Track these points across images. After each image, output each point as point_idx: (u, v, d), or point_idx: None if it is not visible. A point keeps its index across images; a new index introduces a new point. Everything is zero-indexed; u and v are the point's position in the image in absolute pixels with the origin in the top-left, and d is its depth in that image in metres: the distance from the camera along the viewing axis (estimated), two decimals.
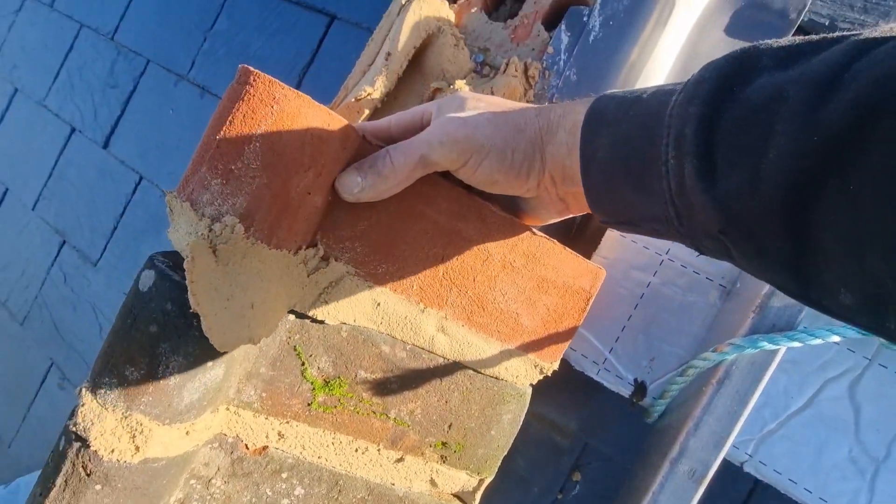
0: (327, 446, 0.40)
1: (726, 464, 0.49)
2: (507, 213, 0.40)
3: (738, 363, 0.42)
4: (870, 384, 0.48)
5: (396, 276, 0.38)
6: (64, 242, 1.39)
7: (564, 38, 0.55)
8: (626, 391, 0.52)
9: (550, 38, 0.57)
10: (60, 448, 0.32)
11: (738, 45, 0.61)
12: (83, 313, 1.33)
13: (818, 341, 0.40)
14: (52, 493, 0.31)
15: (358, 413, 0.40)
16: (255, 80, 0.30)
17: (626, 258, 0.54)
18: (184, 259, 0.31)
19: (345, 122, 0.33)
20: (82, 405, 0.31)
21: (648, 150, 0.28)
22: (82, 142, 1.36)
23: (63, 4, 1.39)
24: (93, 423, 0.31)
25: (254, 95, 0.30)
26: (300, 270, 0.36)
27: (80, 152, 1.38)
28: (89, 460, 0.31)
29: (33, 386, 1.29)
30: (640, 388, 0.51)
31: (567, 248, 0.41)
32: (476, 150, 0.34)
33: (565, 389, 0.65)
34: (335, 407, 0.40)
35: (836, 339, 0.40)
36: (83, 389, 0.32)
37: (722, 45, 0.60)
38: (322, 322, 0.38)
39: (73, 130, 1.36)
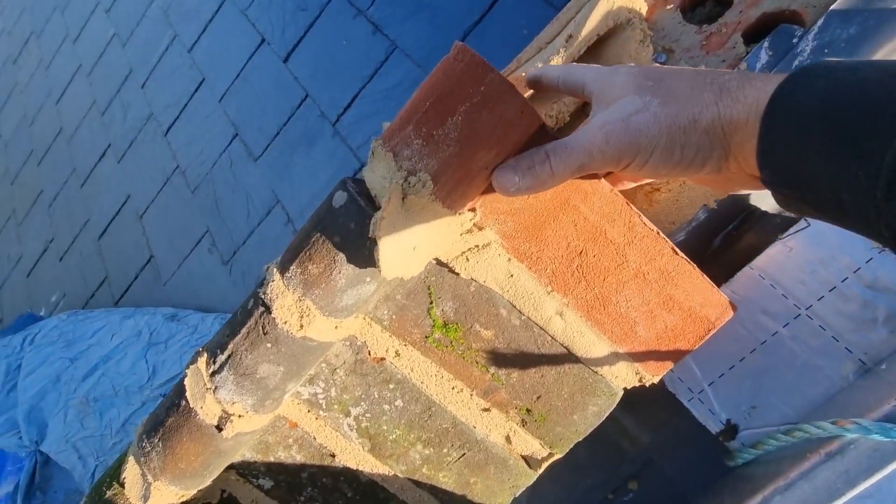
0: (431, 376, 0.47)
1: None
2: (656, 227, 0.41)
3: (857, 445, 0.41)
4: None
5: (535, 256, 0.42)
6: (236, 135, 1.61)
7: (764, 57, 0.52)
8: (714, 427, 0.52)
9: (747, 53, 0.54)
10: (249, 307, 0.42)
11: None
12: (238, 197, 1.56)
13: None
14: (237, 338, 0.41)
15: (464, 358, 0.46)
16: (470, 61, 0.34)
17: (758, 300, 0.53)
18: (370, 192, 0.38)
19: (534, 111, 0.36)
20: (272, 281, 0.40)
21: (884, 103, 0.25)
22: (268, 53, 1.53)
23: None
24: (276, 297, 0.40)
25: (466, 74, 0.34)
26: (456, 229, 0.41)
27: (264, 61, 1.56)
28: (268, 323, 0.40)
29: (191, 244, 1.56)
30: (730, 430, 0.51)
31: (705, 276, 0.42)
32: (639, 152, 0.33)
33: (648, 403, 0.66)
34: (446, 347, 0.46)
35: None
36: (274, 268, 0.41)
37: None
38: (457, 274, 0.44)
39: (262, 41, 1.54)
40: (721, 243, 0.64)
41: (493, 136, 0.36)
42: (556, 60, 0.60)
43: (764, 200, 0.63)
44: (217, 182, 1.59)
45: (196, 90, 1.75)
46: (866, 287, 0.49)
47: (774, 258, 0.53)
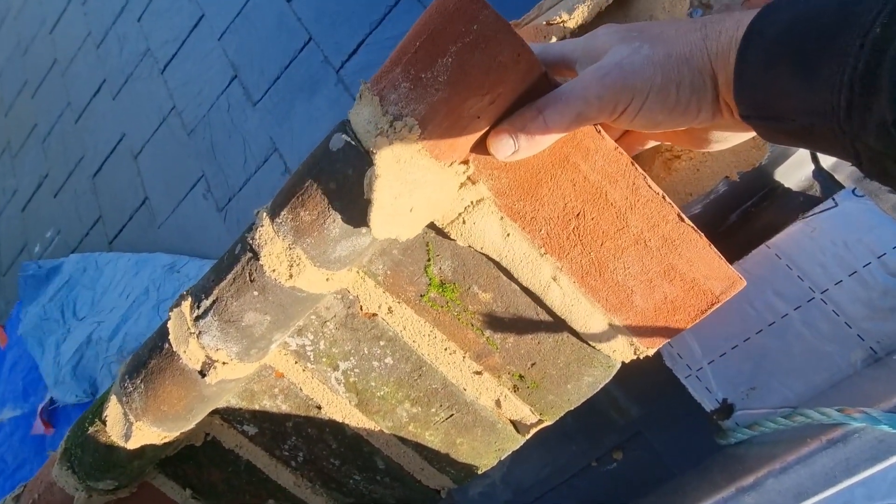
0: (424, 335, 0.47)
1: None
2: (659, 188, 0.40)
3: (862, 434, 0.41)
4: None
5: (529, 215, 0.41)
6: (235, 77, 1.57)
7: None
8: (709, 406, 0.53)
9: None
10: (236, 252, 0.42)
11: None
12: (235, 142, 1.53)
13: None
14: (223, 283, 0.41)
15: (459, 320, 0.46)
16: None
17: (771, 280, 0.52)
18: (359, 138, 0.37)
19: (533, 56, 0.34)
20: (262, 226, 0.40)
21: (839, 26, 0.26)
22: None
23: None
24: (265, 244, 0.39)
25: (458, 10, 0.33)
26: (452, 185, 0.40)
27: None
28: (255, 270, 0.40)
29: (185, 188, 1.55)
30: (726, 409, 0.52)
31: (712, 246, 0.41)
32: (634, 95, 0.33)
33: (641, 376, 0.66)
34: (442, 307, 0.46)
35: None
36: (264, 213, 0.40)
37: None
38: (453, 240, 0.43)
39: None
40: (737, 219, 0.63)
41: (486, 80, 0.34)
42: (581, 9, 0.58)
43: (788, 177, 0.61)
44: (214, 125, 1.57)
45: (195, 26, 1.70)
46: (890, 274, 0.48)
47: (794, 237, 0.52)
